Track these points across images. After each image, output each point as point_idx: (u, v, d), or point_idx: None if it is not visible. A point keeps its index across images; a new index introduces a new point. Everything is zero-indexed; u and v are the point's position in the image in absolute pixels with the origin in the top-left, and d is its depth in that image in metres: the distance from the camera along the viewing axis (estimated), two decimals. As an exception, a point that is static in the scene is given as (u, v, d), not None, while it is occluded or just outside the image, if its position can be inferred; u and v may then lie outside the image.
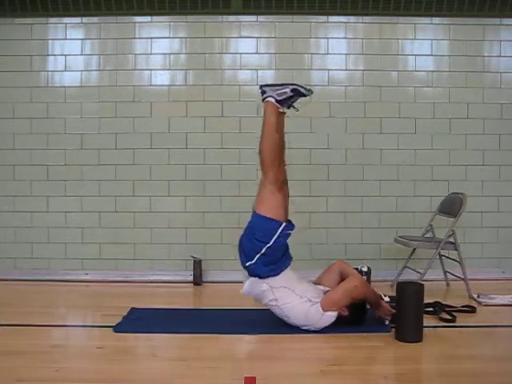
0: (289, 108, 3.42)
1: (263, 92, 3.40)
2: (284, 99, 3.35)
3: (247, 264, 3.26)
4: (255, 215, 3.31)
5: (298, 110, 3.40)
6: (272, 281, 3.26)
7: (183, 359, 2.87)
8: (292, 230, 3.31)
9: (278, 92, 3.34)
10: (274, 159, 3.36)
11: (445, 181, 4.80)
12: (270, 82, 3.38)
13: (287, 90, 3.34)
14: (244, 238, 3.31)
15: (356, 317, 3.33)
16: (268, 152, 3.38)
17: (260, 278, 3.27)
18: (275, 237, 3.22)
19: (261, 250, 3.22)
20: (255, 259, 3.23)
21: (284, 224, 3.26)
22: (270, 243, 3.22)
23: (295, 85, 3.36)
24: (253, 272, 3.28)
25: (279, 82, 3.42)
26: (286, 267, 3.32)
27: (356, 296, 3.27)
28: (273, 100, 3.35)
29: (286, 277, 3.31)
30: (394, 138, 4.81)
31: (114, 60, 4.78)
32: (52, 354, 2.91)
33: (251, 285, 3.31)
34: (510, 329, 3.48)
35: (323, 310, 3.22)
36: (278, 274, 3.27)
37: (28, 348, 2.98)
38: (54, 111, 4.77)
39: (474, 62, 4.81)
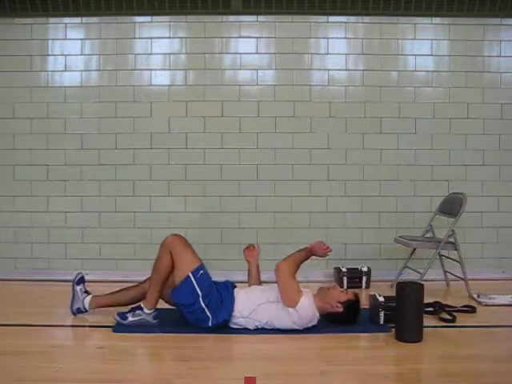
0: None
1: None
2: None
3: (211, 325, 3.26)
4: (172, 296, 3.32)
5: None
6: (240, 311, 3.28)
7: (183, 359, 2.87)
8: (202, 268, 3.35)
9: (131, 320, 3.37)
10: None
11: (445, 181, 4.80)
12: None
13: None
14: (188, 320, 3.31)
15: (350, 314, 3.32)
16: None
17: (231, 319, 3.29)
18: (197, 287, 3.26)
19: (202, 306, 3.25)
20: (210, 315, 3.26)
21: (190, 273, 3.28)
22: (201, 293, 3.26)
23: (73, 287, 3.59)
24: (221, 322, 3.27)
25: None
26: (232, 292, 3.36)
27: (292, 269, 3.32)
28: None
29: (246, 297, 3.34)
30: (393, 138, 4.81)
31: (114, 60, 4.78)
32: (52, 354, 2.92)
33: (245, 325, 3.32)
34: (510, 329, 3.49)
35: (292, 306, 3.21)
36: (233, 301, 3.30)
37: (28, 348, 2.98)
38: (54, 111, 4.77)
39: (473, 62, 4.81)
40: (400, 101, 4.80)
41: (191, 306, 3.26)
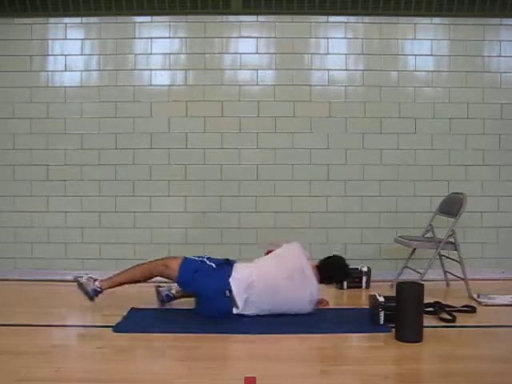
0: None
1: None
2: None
3: (216, 266, 3.60)
4: (179, 280, 3.62)
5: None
6: (241, 263, 3.68)
7: (183, 359, 2.88)
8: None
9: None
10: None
11: (445, 181, 4.80)
12: None
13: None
14: (199, 292, 3.58)
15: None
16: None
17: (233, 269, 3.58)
18: (196, 257, 3.68)
19: (206, 262, 3.61)
20: (213, 263, 3.61)
21: (184, 256, 3.67)
22: (200, 259, 3.65)
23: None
24: (223, 261, 3.66)
25: None
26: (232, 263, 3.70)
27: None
28: None
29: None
30: (394, 138, 4.81)
31: (114, 60, 4.78)
32: (52, 354, 2.91)
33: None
34: (510, 329, 3.48)
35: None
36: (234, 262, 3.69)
37: (28, 348, 2.98)
38: (53, 111, 4.77)
39: (474, 62, 4.81)
40: (400, 101, 4.81)
41: (198, 271, 3.53)
